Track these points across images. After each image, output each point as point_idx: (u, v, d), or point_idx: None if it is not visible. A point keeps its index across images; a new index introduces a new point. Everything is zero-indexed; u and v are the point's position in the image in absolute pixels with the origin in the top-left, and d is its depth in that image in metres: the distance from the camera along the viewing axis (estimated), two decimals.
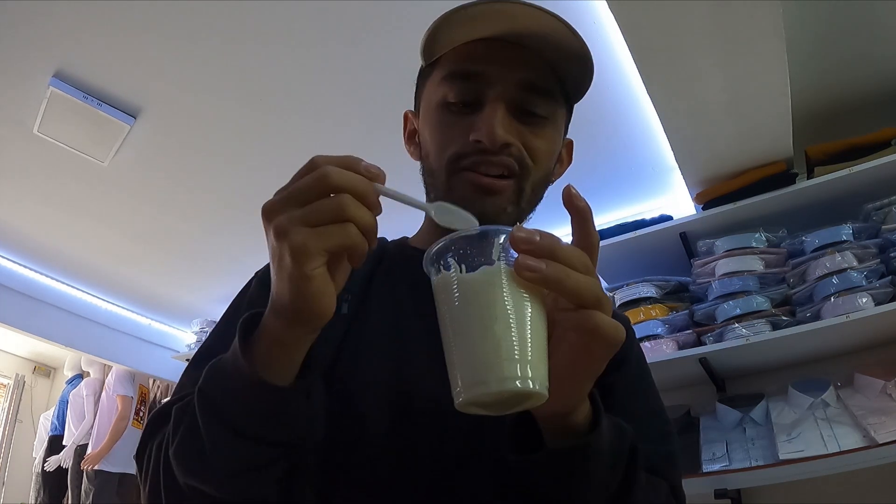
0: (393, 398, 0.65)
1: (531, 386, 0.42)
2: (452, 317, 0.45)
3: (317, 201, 0.44)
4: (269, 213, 0.46)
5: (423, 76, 0.77)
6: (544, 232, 0.45)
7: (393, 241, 0.83)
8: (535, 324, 0.45)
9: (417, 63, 0.77)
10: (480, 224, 0.50)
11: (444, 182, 0.70)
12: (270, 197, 0.47)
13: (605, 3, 1.57)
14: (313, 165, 0.46)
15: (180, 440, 0.52)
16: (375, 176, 0.46)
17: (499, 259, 0.45)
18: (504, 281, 0.45)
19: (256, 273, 0.77)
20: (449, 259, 0.47)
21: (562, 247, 0.45)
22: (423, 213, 0.79)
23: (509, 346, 0.43)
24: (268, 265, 0.77)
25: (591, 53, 0.69)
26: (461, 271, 0.46)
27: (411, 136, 0.81)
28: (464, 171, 0.69)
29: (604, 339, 0.45)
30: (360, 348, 0.67)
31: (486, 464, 0.61)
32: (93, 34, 1.93)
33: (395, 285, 0.75)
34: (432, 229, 0.79)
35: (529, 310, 0.45)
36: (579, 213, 0.48)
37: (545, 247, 0.44)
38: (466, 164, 0.68)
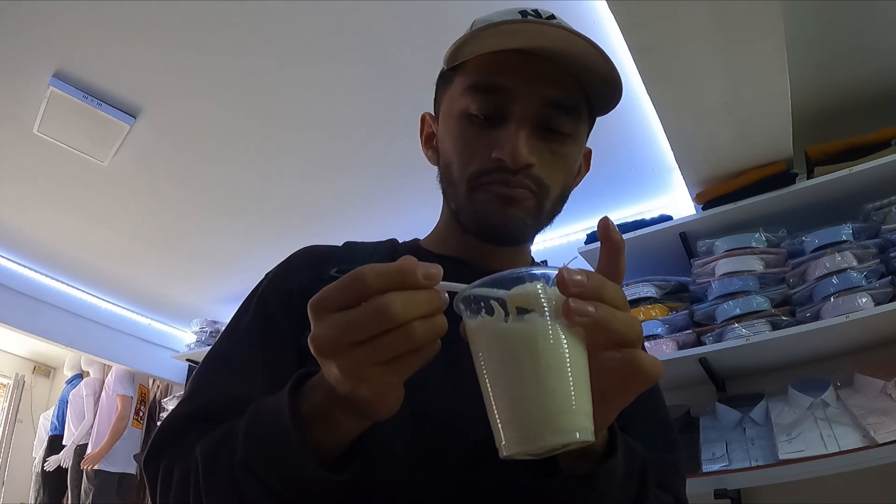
0: (408, 412, 0.64)
1: (579, 436, 0.42)
2: (498, 367, 0.44)
3: (382, 336, 0.41)
4: (327, 352, 0.43)
5: (445, 81, 0.74)
6: (590, 272, 0.45)
7: (404, 244, 0.82)
8: (581, 369, 0.44)
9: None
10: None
11: (465, 195, 0.70)
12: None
13: (605, 3, 1.57)
14: (363, 286, 0.42)
15: (219, 500, 0.52)
16: (434, 277, 0.42)
17: (545, 305, 0.44)
18: (552, 328, 0.43)
19: (266, 274, 0.76)
20: (490, 302, 0.44)
21: (607, 287, 0.45)
22: (439, 213, 0.79)
23: (561, 397, 0.42)
24: (277, 266, 0.76)
25: (622, 78, 0.67)
26: (505, 317, 0.44)
27: (429, 140, 0.79)
28: (485, 186, 0.68)
29: (644, 377, 0.46)
30: None
31: (502, 474, 0.60)
32: (93, 34, 1.93)
33: None
34: (447, 231, 0.78)
35: (577, 355, 0.44)
36: (614, 245, 0.49)
37: (593, 289, 0.44)
38: (487, 180, 0.68)
